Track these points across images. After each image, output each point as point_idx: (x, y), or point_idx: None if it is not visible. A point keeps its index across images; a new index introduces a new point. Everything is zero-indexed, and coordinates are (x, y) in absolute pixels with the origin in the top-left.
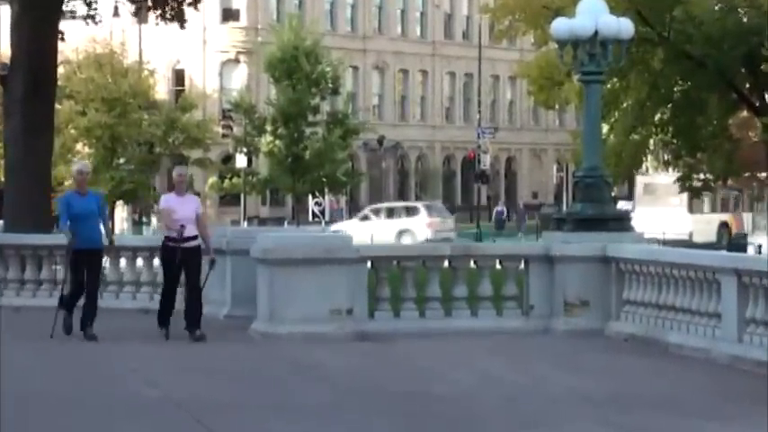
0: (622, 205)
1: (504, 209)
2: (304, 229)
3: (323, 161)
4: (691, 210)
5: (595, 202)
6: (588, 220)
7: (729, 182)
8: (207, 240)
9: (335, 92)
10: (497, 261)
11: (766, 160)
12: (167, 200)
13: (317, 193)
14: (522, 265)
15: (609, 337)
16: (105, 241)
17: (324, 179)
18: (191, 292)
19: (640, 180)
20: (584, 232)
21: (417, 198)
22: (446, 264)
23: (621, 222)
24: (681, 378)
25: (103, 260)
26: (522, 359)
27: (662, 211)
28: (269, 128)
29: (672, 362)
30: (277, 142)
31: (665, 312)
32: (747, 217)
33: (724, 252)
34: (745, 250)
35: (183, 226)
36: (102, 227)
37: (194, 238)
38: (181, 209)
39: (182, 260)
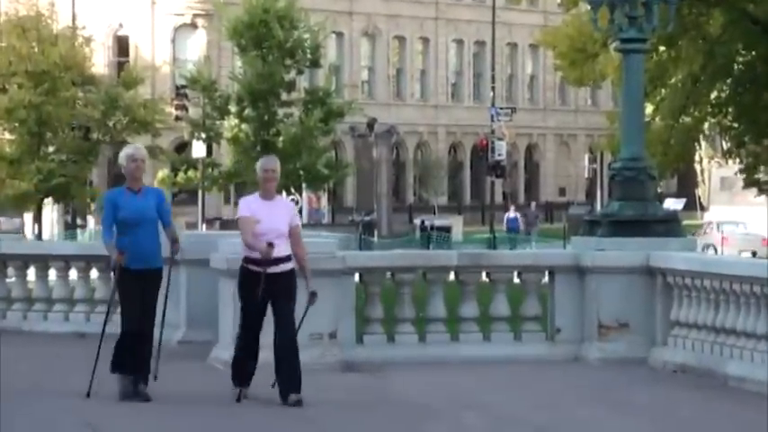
0: (670, 204)
1: (518, 216)
2: None
3: (299, 150)
4: None
5: (637, 200)
6: (628, 223)
7: None
8: (304, 263)
9: (315, 64)
10: (515, 273)
11: None
12: (248, 204)
13: (293, 190)
14: (547, 278)
15: (654, 368)
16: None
17: (301, 172)
18: (282, 336)
19: (716, 173)
20: (622, 237)
21: (416, 195)
22: (452, 276)
23: (669, 225)
24: (743, 420)
25: (161, 283)
26: (545, 395)
27: (741, 211)
28: (233, 109)
29: (732, 399)
30: (243, 126)
31: (724, 337)
32: None
33: None
34: None
35: (270, 244)
36: (161, 234)
37: (287, 259)
38: (269, 218)
39: (268, 291)
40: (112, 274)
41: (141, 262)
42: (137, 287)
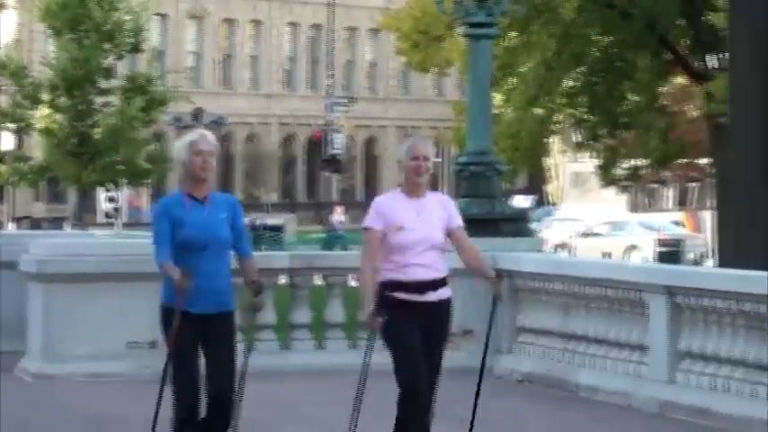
0: (519, 201)
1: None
2: (93, 233)
3: (118, 142)
4: (633, 207)
5: (483, 197)
6: (474, 222)
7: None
8: (484, 267)
9: (136, 49)
10: (351, 276)
11: (710, 141)
12: (380, 209)
13: (111, 186)
14: None
15: (499, 377)
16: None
17: (120, 166)
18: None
19: (569, 168)
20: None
21: (245, 192)
22: (283, 280)
23: (516, 224)
24: None
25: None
26: (384, 408)
27: (594, 209)
28: (45, 97)
29: (583, 410)
30: (57, 116)
31: (574, 344)
32: (707, 215)
33: (653, 263)
34: (678, 260)
35: (376, 310)
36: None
37: (444, 282)
38: (417, 223)
39: (417, 326)
40: (160, 316)
41: (206, 303)
42: (196, 339)
